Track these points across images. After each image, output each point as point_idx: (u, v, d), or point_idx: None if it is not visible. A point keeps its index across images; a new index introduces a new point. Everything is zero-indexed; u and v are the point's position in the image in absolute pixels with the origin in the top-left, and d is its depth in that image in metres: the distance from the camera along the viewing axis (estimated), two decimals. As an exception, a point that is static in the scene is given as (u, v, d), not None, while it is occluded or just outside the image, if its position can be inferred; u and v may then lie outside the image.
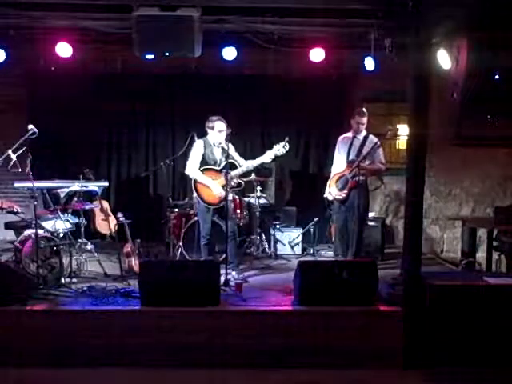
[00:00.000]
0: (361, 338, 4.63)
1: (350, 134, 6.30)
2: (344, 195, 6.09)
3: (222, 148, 5.79)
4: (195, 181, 5.87)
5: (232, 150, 5.83)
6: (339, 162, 6.31)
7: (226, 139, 5.62)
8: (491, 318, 4.65)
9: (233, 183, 5.67)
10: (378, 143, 6.14)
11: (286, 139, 5.64)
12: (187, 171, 5.92)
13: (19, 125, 6.26)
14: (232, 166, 5.71)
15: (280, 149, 5.66)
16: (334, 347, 4.61)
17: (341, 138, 6.40)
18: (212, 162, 5.84)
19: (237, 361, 4.55)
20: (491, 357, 4.62)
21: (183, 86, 7.81)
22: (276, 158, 7.41)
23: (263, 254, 7.12)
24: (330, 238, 7.53)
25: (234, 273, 5.73)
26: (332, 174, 6.34)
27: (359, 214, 6.07)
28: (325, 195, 6.37)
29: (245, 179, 5.97)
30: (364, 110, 6.24)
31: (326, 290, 4.78)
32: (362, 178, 6.06)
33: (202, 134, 6.34)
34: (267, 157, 5.74)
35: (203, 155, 5.85)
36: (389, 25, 5.45)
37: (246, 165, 5.78)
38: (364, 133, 6.22)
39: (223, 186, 5.67)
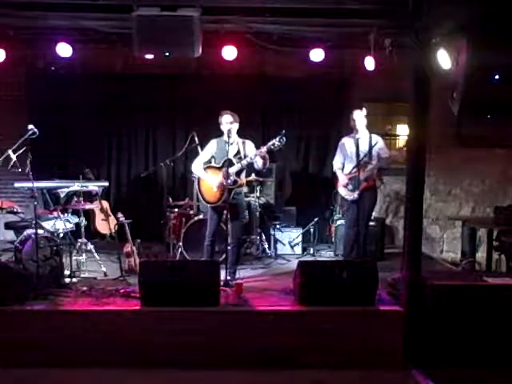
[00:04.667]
0: (361, 338, 4.63)
1: (353, 135, 6.25)
2: (357, 196, 6.09)
3: (239, 146, 5.74)
4: (198, 179, 5.87)
5: (251, 147, 5.75)
6: (347, 163, 6.28)
7: (228, 133, 5.57)
8: (491, 318, 4.66)
9: (229, 181, 5.60)
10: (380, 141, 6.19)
11: (283, 132, 5.52)
12: (192, 168, 5.96)
13: (19, 125, 6.26)
14: (231, 164, 5.66)
15: (275, 143, 5.51)
16: (334, 347, 4.61)
17: (344, 138, 6.37)
18: (228, 162, 5.75)
19: (236, 361, 4.55)
20: (491, 357, 4.62)
21: (183, 85, 7.81)
22: (276, 158, 7.47)
23: (263, 254, 7.11)
24: (330, 237, 7.54)
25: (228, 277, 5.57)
26: (340, 174, 6.29)
27: (368, 215, 6.19)
28: (339, 191, 6.33)
29: (245, 179, 5.93)
30: (360, 110, 6.20)
31: (326, 290, 4.78)
32: (374, 178, 6.15)
33: (202, 133, 6.35)
34: (260, 151, 5.66)
35: (215, 154, 5.81)
36: (389, 25, 5.45)
37: (242, 162, 5.66)
38: (367, 133, 6.22)
39: (222, 184, 5.64)
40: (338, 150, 6.39)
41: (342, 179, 6.25)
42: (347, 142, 6.29)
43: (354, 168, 6.15)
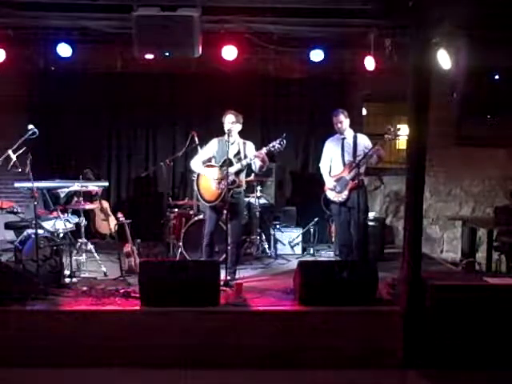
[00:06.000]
0: (361, 337, 4.63)
1: (337, 136, 6.24)
2: (345, 196, 6.07)
3: (239, 147, 5.73)
4: (197, 177, 5.86)
5: (251, 148, 5.74)
6: (333, 165, 6.25)
7: (229, 133, 5.56)
8: (491, 318, 4.65)
9: (228, 180, 5.58)
10: (370, 146, 6.06)
11: (283, 135, 5.51)
12: (190, 164, 5.95)
13: (19, 125, 6.25)
14: (231, 164, 5.63)
15: (275, 145, 5.52)
16: (334, 347, 4.61)
17: (329, 140, 6.34)
18: (227, 161, 5.70)
19: (236, 361, 4.55)
20: (491, 357, 4.61)
21: (183, 85, 7.80)
22: (276, 158, 7.47)
23: (263, 254, 7.11)
24: (329, 237, 7.54)
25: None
26: (326, 177, 6.27)
27: (362, 215, 6.08)
28: (327, 195, 6.30)
29: (245, 179, 5.92)
30: (340, 110, 6.16)
31: (326, 290, 4.78)
32: (361, 178, 6.07)
33: (202, 133, 6.34)
34: (260, 152, 5.61)
35: (215, 154, 5.79)
36: (389, 25, 5.47)
37: (241, 162, 5.64)
38: (351, 132, 6.20)
39: (220, 181, 5.63)
40: (324, 153, 6.35)
41: (329, 182, 6.21)
42: (332, 144, 6.27)
43: (342, 168, 6.11)
